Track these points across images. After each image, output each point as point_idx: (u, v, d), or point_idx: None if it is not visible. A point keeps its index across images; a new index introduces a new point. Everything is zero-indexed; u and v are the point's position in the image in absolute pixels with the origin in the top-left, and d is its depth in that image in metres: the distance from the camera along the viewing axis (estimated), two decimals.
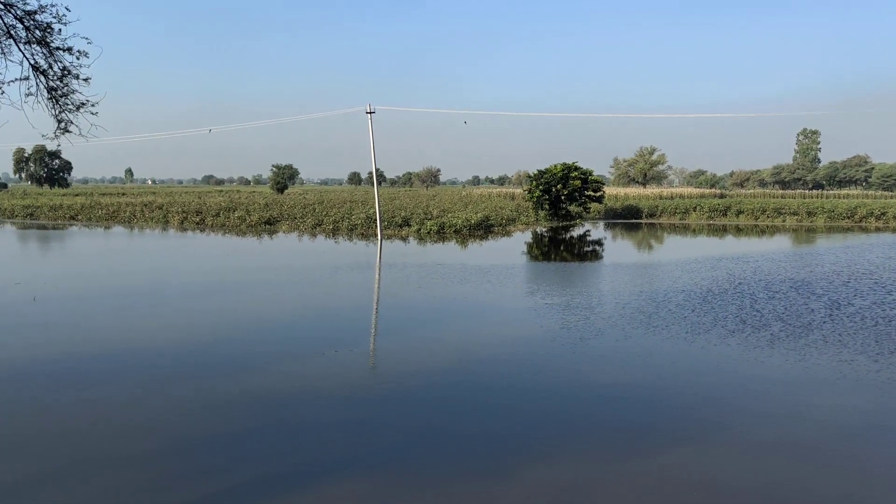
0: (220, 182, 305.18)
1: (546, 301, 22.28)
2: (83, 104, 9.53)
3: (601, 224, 63.06)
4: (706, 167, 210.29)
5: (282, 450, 10.08)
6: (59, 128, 9.60)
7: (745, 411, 11.99)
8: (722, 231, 55.16)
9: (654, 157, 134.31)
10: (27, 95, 9.28)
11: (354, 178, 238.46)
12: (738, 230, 55.73)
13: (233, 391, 12.74)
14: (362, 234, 48.77)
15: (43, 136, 9.60)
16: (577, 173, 61.69)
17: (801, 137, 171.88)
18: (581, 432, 10.93)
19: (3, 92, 9.12)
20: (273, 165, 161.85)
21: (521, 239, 47.00)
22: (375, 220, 51.07)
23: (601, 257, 36.61)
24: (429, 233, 48.53)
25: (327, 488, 8.94)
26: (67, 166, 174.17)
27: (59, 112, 9.41)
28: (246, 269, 30.19)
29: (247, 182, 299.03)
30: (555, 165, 62.61)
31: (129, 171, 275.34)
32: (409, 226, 51.81)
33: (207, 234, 49.82)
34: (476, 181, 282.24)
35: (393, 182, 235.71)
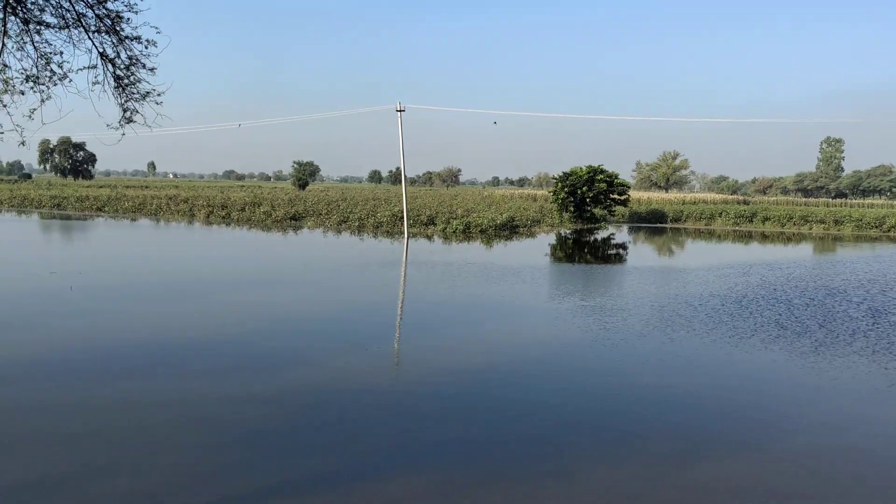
0: (242, 177, 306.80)
1: (583, 302, 22.17)
2: (148, 93, 9.56)
3: (625, 228, 62.74)
4: (728, 173, 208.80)
5: (319, 447, 10.07)
6: (123, 117, 9.63)
7: (799, 418, 11.84)
8: (748, 237, 54.70)
9: (677, 161, 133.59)
10: (94, 84, 9.31)
11: (375, 177, 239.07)
12: (764, 237, 55.25)
13: (269, 386, 12.75)
14: (387, 231, 48.80)
15: (108, 125, 9.62)
16: (602, 176, 61.41)
17: (824, 146, 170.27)
18: (633, 436, 10.80)
19: (70, 80, 9.16)
20: (294, 162, 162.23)
21: (546, 240, 46.86)
22: (400, 217, 51.10)
23: (630, 261, 36.40)
24: (454, 232, 48.48)
25: (361, 487, 8.90)
26: (91, 158, 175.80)
27: (126, 101, 9.44)
28: (274, 264, 30.30)
29: (267, 178, 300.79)
30: (580, 168, 62.35)
31: (152, 165, 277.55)
32: (434, 224, 51.79)
33: (233, 228, 50.03)
34: (496, 182, 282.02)
35: (413, 181, 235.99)
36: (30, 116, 9.15)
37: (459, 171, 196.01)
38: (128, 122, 9.71)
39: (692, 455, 10.02)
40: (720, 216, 66.75)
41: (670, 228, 62.88)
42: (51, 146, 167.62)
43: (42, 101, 9.18)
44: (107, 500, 8.17)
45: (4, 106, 9.10)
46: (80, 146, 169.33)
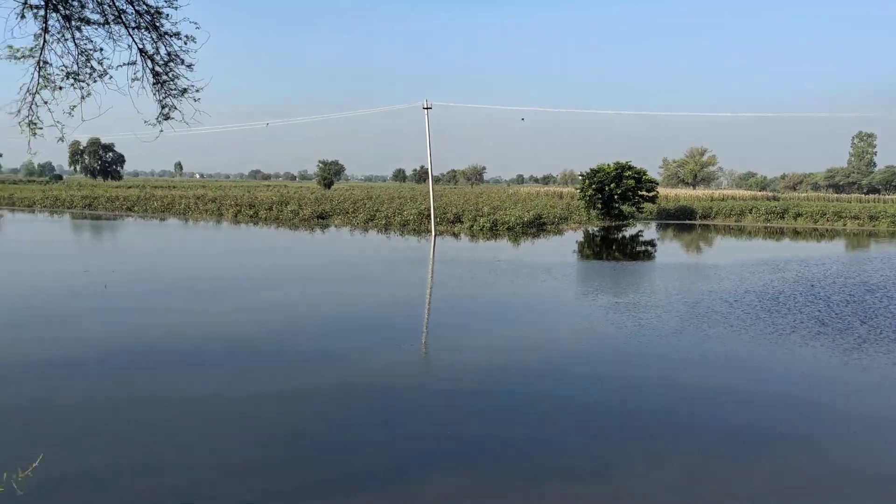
0: (267, 177, 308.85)
1: (615, 299, 21.91)
2: (186, 90, 9.51)
3: (654, 224, 62.13)
4: (756, 169, 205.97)
5: (356, 445, 9.99)
6: (161, 113, 9.60)
7: (850, 414, 11.55)
8: (780, 234, 53.85)
9: (705, 158, 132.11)
10: (133, 80, 9.29)
11: (399, 175, 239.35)
12: (797, 233, 54.37)
13: (302, 383, 12.71)
14: (414, 229, 48.73)
15: (145, 122, 9.59)
16: (630, 173, 60.80)
17: (856, 140, 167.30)
18: (677, 434, 10.58)
19: (111, 77, 9.15)
20: (319, 161, 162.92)
21: (574, 238, 46.52)
22: (426, 215, 51.03)
23: (660, 258, 35.99)
24: (481, 229, 48.28)
25: (400, 486, 8.79)
26: (120, 159, 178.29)
27: (164, 97, 9.41)
28: (304, 262, 30.39)
29: (293, 177, 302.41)
30: (608, 164, 61.79)
31: (179, 165, 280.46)
32: (460, 222, 51.64)
33: (261, 226, 50.30)
34: (520, 180, 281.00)
35: (437, 179, 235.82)
36: (70, 113, 9.14)
37: (484, 169, 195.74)
38: (165, 119, 9.67)
39: (741, 453, 9.79)
40: (751, 212, 65.79)
41: (699, 225, 62.11)
42: (80, 147, 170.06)
43: (82, 97, 9.16)
44: (149, 495, 8.15)
45: (45, 102, 9.10)
46: (108, 147, 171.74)
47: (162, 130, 9.81)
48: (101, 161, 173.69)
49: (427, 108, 45.23)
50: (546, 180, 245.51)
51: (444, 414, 11.07)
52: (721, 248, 44.46)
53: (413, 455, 9.54)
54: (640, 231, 53.98)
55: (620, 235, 49.31)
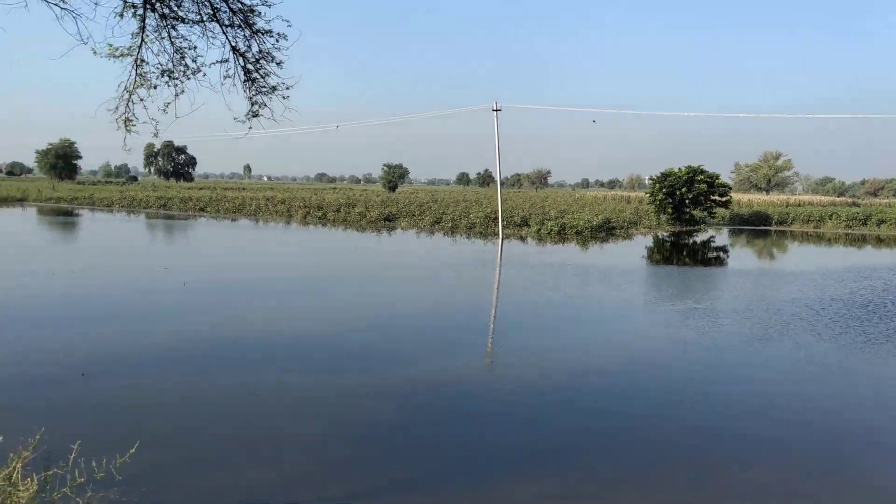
0: (332, 180, 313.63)
1: (694, 305, 21.32)
2: (275, 87, 9.59)
3: (726, 230, 60.51)
4: (833, 174, 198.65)
5: (430, 447, 9.89)
6: (250, 111, 9.71)
7: None
8: (862, 241, 51.72)
9: (780, 162, 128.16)
10: (225, 78, 9.42)
11: (463, 179, 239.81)
12: (880, 241, 52.11)
13: (372, 384, 12.69)
14: (480, 232, 48.59)
15: (235, 119, 9.72)
16: (702, 177, 59.39)
17: None
18: (770, 447, 10.14)
19: (204, 74, 9.29)
20: (384, 164, 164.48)
21: (644, 242, 45.62)
22: (493, 219, 50.85)
23: (736, 264, 34.96)
24: (549, 233, 47.81)
25: (473, 491, 8.63)
26: (192, 161, 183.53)
27: (254, 94, 9.51)
28: (373, 263, 30.61)
29: (357, 180, 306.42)
30: (679, 168, 60.49)
31: (248, 168, 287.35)
32: (527, 226, 51.27)
33: (329, 228, 50.93)
34: (585, 184, 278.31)
35: (501, 183, 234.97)
36: (164, 110, 9.32)
37: (549, 172, 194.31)
38: (254, 116, 9.78)
39: (841, 468, 9.31)
40: (830, 219, 63.38)
41: (775, 231, 60.17)
42: (155, 150, 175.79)
43: (176, 95, 9.33)
44: (228, 489, 8.21)
45: (141, 100, 9.30)
46: (181, 150, 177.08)
47: (251, 128, 9.95)
48: (174, 163, 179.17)
49: (496, 111, 45.07)
50: (612, 184, 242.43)
51: (526, 416, 10.87)
52: (800, 254, 42.97)
53: (497, 456, 9.38)
54: (713, 237, 52.63)
55: (692, 241, 48.16)
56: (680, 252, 39.85)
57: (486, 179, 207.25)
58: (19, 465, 6.24)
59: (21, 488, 6.08)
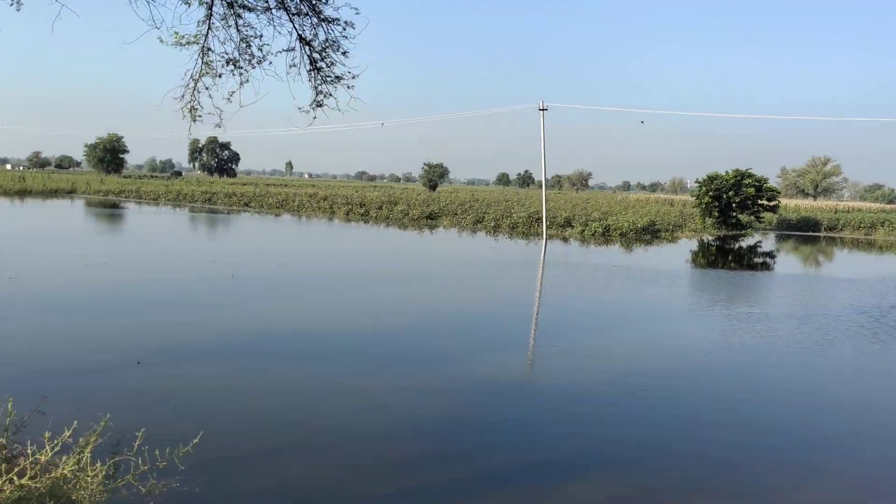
0: (373, 178, 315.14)
1: (749, 309, 20.80)
2: (340, 77, 9.48)
3: (773, 235, 59.25)
4: (883, 181, 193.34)
5: (486, 447, 9.68)
6: (315, 101, 9.60)
7: None
8: None
9: (828, 167, 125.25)
10: (290, 66, 9.33)
11: (503, 179, 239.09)
12: None
13: (418, 381, 12.53)
14: (523, 232, 48.25)
15: (299, 108, 9.63)
16: (750, 180, 58.19)
17: None
18: (838, 463, 9.75)
19: (270, 63, 9.21)
20: (424, 164, 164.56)
21: (689, 246, 44.84)
22: (536, 219, 50.47)
23: (786, 269, 34.14)
24: (593, 234, 47.26)
25: (532, 491, 8.39)
26: (235, 157, 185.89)
27: (320, 83, 9.40)
28: (416, 261, 30.52)
29: (397, 179, 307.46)
30: (726, 171, 59.36)
31: (290, 164, 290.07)
32: (571, 227, 50.75)
33: (371, 225, 51.03)
34: (626, 186, 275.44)
35: (541, 184, 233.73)
36: (228, 99, 9.26)
37: (590, 174, 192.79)
38: (318, 106, 9.66)
39: None
40: (882, 225, 61.59)
41: (824, 238, 58.71)
42: (199, 145, 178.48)
43: (241, 83, 9.27)
44: (288, 482, 8.13)
45: (207, 88, 9.26)
46: (225, 146, 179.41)
47: (315, 118, 9.84)
48: (218, 159, 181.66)
49: (543, 110, 44.68)
50: (653, 188, 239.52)
51: (583, 416, 10.63)
52: (853, 261, 41.84)
53: (558, 456, 9.15)
54: (760, 241, 51.55)
55: (738, 245, 47.21)
56: (727, 256, 39.04)
57: (525, 180, 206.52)
58: (88, 451, 6.21)
59: (90, 474, 6.05)
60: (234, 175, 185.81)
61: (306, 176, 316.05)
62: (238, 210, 63.61)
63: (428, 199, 74.08)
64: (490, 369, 13.03)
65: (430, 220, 56.23)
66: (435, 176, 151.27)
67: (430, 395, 11.43)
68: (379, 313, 18.16)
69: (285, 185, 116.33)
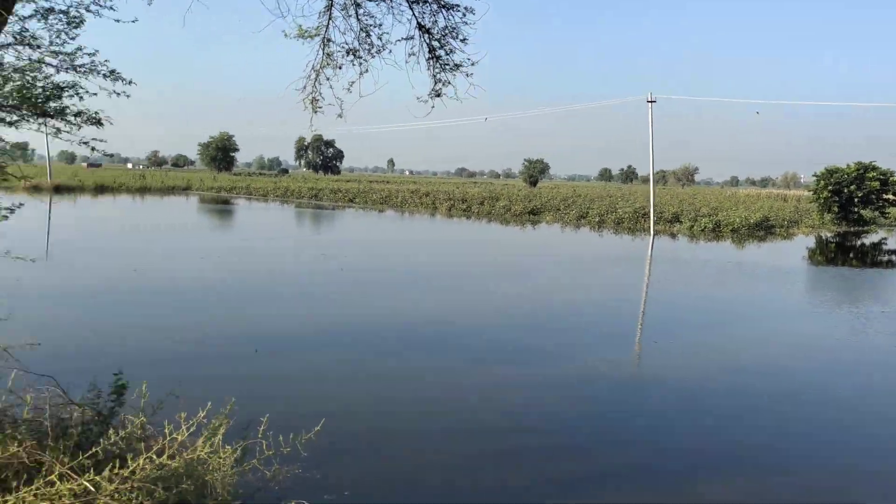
0: (472, 175, 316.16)
1: (883, 309, 19.46)
2: (459, 65, 9.34)
3: None
4: None
5: (616, 442, 9.32)
6: (433, 90, 9.50)
7: None
8: None
9: None
10: (409, 55, 9.27)
11: (605, 175, 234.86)
12: None
13: (534, 374, 12.26)
14: (629, 228, 47.06)
15: (418, 98, 9.55)
16: (874, 174, 54.69)
17: None
18: None
19: (390, 52, 9.18)
20: (525, 160, 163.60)
21: (806, 243, 42.50)
22: (642, 214, 49.16)
23: None
24: (703, 230, 45.57)
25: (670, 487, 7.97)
26: (339, 155, 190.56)
27: (438, 72, 9.31)
28: (520, 257, 30.23)
29: (496, 175, 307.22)
30: (847, 165, 56.04)
31: (391, 162, 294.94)
32: (679, 222, 49.12)
33: (473, 220, 51.02)
34: (735, 182, 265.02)
35: (645, 179, 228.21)
36: (348, 90, 9.28)
37: (696, 169, 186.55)
38: (437, 96, 9.55)
39: None
40: None
41: None
42: (305, 143, 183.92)
43: (360, 73, 9.27)
44: (413, 468, 8.09)
45: (328, 79, 9.31)
46: (330, 143, 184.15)
47: (433, 107, 9.75)
48: (323, 156, 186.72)
49: (651, 101, 43.35)
50: (764, 183, 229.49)
51: (704, 415, 10.13)
52: None
53: (681, 456, 8.74)
54: (885, 238, 48.35)
55: (861, 242, 44.41)
56: (849, 253, 36.78)
57: (628, 175, 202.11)
58: (221, 433, 6.32)
59: (221, 456, 6.15)
60: (339, 172, 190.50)
61: (407, 173, 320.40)
62: (343, 206, 64.98)
63: (529, 195, 73.59)
64: (600, 365, 12.66)
65: (533, 215, 55.72)
66: (535, 172, 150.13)
67: (540, 388, 11.19)
68: (491, 307, 18.04)
69: (387, 182, 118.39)
